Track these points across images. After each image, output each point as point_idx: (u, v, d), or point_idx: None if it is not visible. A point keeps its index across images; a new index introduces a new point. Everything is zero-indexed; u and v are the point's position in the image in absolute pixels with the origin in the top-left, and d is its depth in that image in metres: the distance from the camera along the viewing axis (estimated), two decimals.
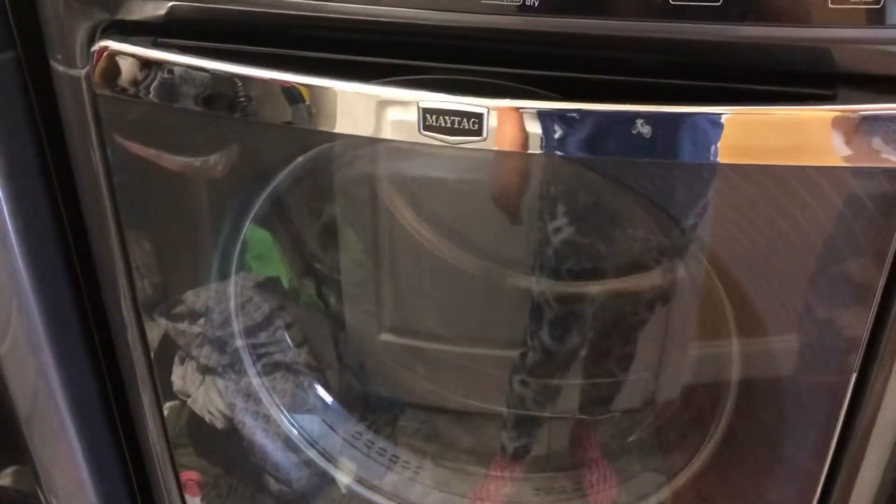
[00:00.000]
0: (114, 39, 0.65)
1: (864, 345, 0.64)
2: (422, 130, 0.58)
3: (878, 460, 0.70)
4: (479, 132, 0.57)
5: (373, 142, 0.66)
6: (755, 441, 0.74)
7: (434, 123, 0.58)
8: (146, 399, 0.86)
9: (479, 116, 0.57)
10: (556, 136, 0.57)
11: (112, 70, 0.66)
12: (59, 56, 0.68)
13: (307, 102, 0.63)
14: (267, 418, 0.89)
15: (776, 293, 0.64)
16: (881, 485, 0.72)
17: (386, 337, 0.93)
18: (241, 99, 0.64)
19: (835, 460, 0.70)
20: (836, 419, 0.68)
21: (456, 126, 0.58)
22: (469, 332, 0.92)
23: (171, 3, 0.63)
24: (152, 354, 0.84)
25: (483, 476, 0.94)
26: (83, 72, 0.67)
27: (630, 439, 0.89)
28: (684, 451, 0.81)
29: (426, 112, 0.58)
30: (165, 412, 0.88)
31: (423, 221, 0.83)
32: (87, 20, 0.66)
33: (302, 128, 0.64)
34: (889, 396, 0.66)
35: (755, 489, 0.76)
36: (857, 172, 0.57)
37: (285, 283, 0.89)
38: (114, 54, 0.65)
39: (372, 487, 0.92)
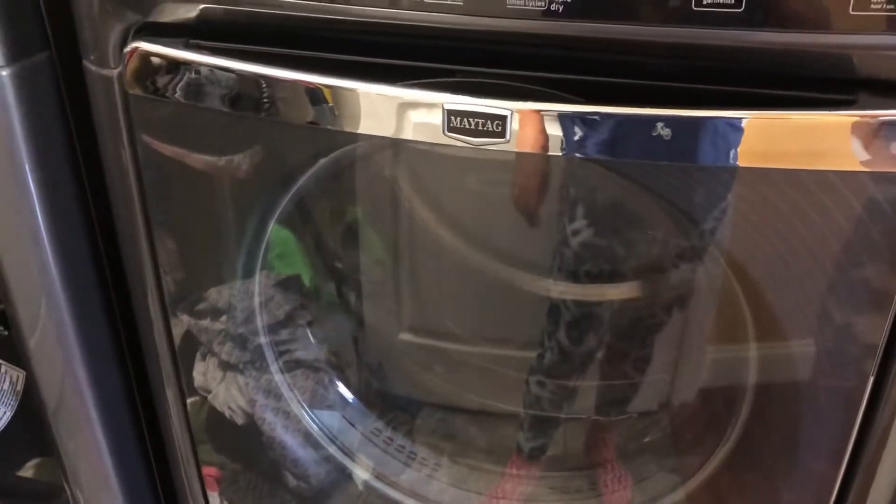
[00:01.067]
0: (146, 41, 0.66)
1: (882, 349, 0.64)
2: (446, 132, 0.59)
3: (894, 465, 0.70)
4: (502, 134, 0.58)
5: (396, 143, 0.67)
6: (771, 444, 0.74)
7: (458, 125, 0.58)
8: (170, 394, 0.87)
9: (503, 119, 0.57)
10: (578, 138, 0.58)
11: (143, 70, 0.67)
12: (92, 56, 0.69)
13: (330, 104, 0.63)
14: (287, 414, 0.90)
15: (794, 297, 0.64)
16: None
17: (405, 336, 0.94)
18: (266, 99, 0.65)
19: (851, 464, 0.70)
20: (853, 424, 0.68)
21: (480, 128, 0.58)
22: (487, 332, 0.92)
23: (202, 6, 0.64)
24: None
25: (500, 475, 0.94)
26: (115, 72, 0.68)
27: (645, 440, 0.89)
28: (699, 453, 0.81)
29: (450, 114, 0.58)
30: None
31: (444, 222, 0.83)
32: (121, 22, 0.67)
33: (326, 128, 0.65)
34: None
35: (770, 492, 0.75)
36: (876, 177, 0.57)
37: (306, 282, 0.89)
38: (145, 55, 0.66)
39: (390, 483, 0.92)
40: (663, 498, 0.85)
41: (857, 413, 0.67)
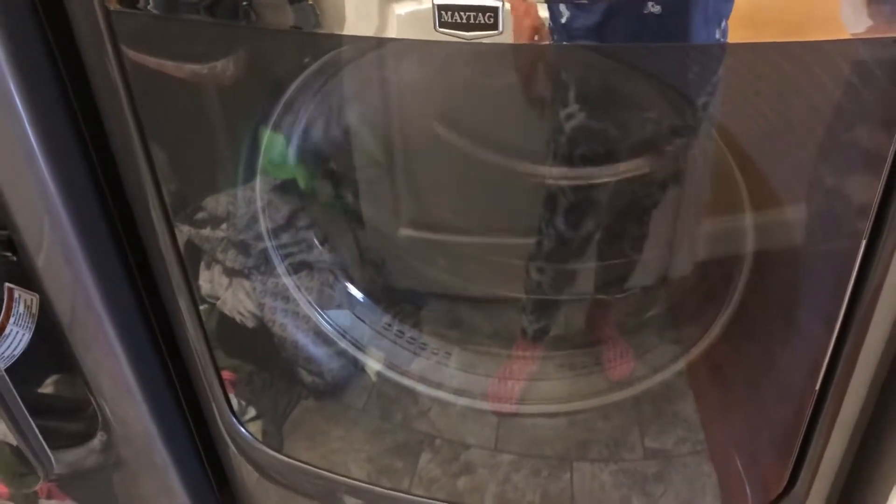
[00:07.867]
0: None
1: (875, 211, 0.64)
2: (437, 28, 0.58)
3: (885, 323, 0.71)
4: (495, 26, 0.57)
5: (385, 43, 0.65)
6: (767, 311, 0.76)
7: (449, 20, 0.57)
8: (183, 303, 0.88)
9: (495, 10, 0.56)
10: (572, 24, 0.57)
11: None
12: None
13: (310, 2, 0.61)
14: (297, 314, 0.91)
15: (789, 166, 0.65)
16: (886, 348, 0.73)
17: (405, 232, 0.95)
18: (244, 4, 0.63)
19: (843, 327, 0.71)
20: (846, 285, 0.69)
21: (471, 21, 0.57)
22: (485, 223, 0.93)
23: None
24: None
25: (506, 357, 0.97)
26: None
27: (646, 315, 0.91)
28: (698, 324, 0.83)
29: (441, 9, 0.57)
30: None
31: (437, 116, 0.82)
32: None
33: (313, 32, 0.63)
34: None
35: (766, 358, 0.78)
36: (867, 43, 0.56)
37: (302, 185, 0.89)
38: None
39: (402, 372, 0.95)
40: (665, 369, 0.87)
41: (850, 275, 0.68)
